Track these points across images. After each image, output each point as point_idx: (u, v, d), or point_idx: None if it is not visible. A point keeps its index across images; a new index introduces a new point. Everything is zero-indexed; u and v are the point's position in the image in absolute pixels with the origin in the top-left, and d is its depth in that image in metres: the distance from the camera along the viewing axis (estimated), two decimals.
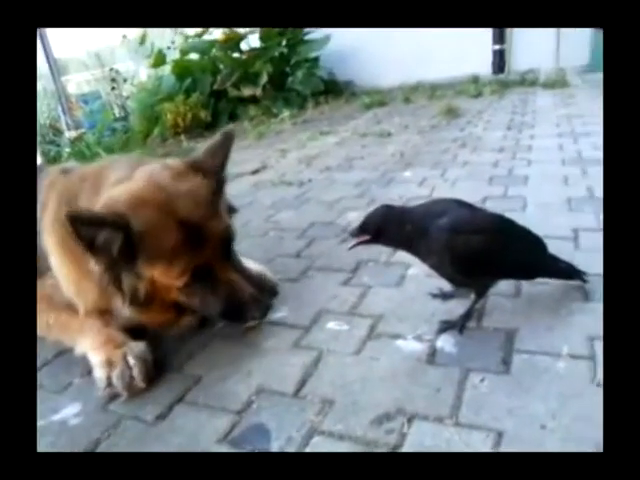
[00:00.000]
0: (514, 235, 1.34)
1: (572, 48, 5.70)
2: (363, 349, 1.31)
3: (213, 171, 1.38)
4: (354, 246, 1.33)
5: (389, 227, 1.29)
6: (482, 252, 1.25)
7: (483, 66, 6.19)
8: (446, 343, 1.28)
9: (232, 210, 1.55)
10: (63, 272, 1.43)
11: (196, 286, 1.32)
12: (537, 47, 5.94)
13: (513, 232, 1.35)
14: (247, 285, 1.38)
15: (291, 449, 1.02)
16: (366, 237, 1.31)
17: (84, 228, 1.18)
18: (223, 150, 1.42)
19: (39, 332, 1.51)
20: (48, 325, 1.47)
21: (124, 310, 1.36)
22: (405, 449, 0.98)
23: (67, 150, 5.59)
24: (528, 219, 1.94)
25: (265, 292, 1.44)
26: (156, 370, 1.31)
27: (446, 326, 1.34)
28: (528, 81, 5.62)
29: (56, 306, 1.47)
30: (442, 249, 1.25)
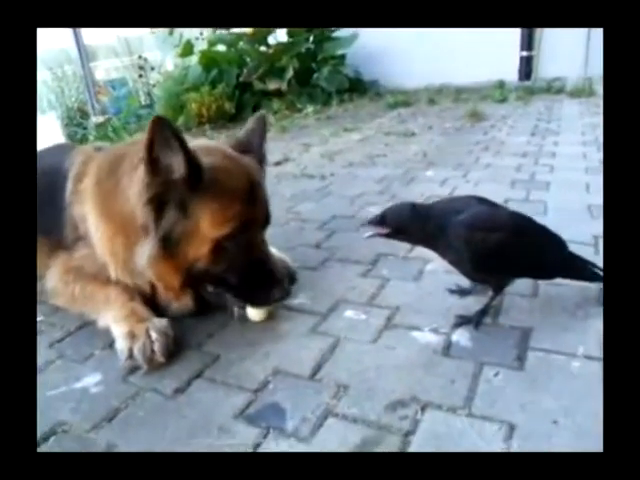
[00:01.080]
0: (533, 233, 1.35)
1: (601, 57, 5.64)
2: (379, 338, 1.33)
3: (256, 150, 1.50)
4: (372, 236, 1.35)
5: (411, 226, 1.30)
6: (500, 249, 1.26)
7: (509, 72, 6.15)
8: (461, 337, 1.30)
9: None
10: (99, 232, 1.45)
11: (233, 244, 1.33)
12: (565, 55, 5.89)
13: (532, 230, 1.36)
14: (277, 265, 1.42)
15: (306, 429, 1.04)
16: (385, 230, 1.32)
17: (164, 137, 1.21)
18: (260, 132, 1.54)
19: (64, 303, 1.56)
20: (73, 296, 1.52)
21: (142, 256, 1.35)
22: (418, 436, 1.00)
23: (93, 134, 5.68)
24: (548, 224, 1.92)
25: (286, 279, 1.45)
26: (176, 346, 1.35)
27: (462, 321, 1.35)
28: (554, 89, 5.58)
29: (83, 278, 1.51)
30: (461, 245, 1.26)
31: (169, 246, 1.32)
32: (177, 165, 1.25)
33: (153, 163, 1.24)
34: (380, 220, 1.31)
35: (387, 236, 1.33)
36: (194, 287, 1.44)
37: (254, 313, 1.45)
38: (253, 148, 1.51)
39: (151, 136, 1.21)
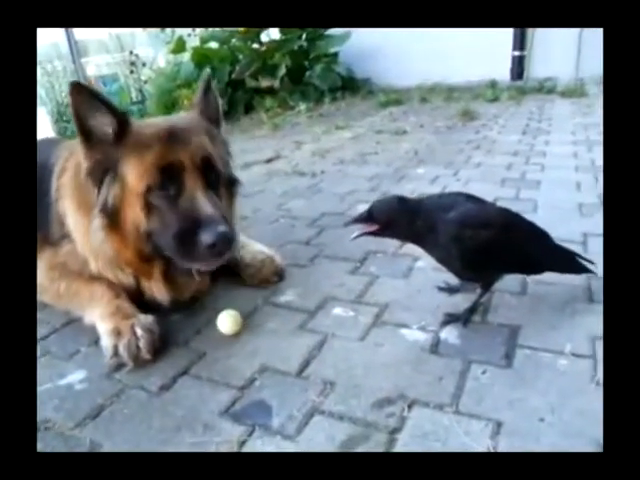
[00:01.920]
0: (521, 229, 1.35)
1: (592, 57, 5.66)
2: (367, 335, 1.32)
3: (202, 105, 1.50)
4: (359, 236, 1.30)
5: (400, 220, 1.27)
6: (489, 246, 1.26)
7: (501, 72, 6.16)
8: (450, 335, 1.29)
9: (235, 180, 1.55)
10: (78, 228, 1.44)
11: (160, 196, 1.29)
12: (557, 55, 5.91)
13: (519, 225, 1.35)
14: (212, 207, 1.28)
15: (292, 426, 1.03)
16: (374, 227, 1.28)
17: (86, 100, 1.25)
18: (202, 89, 1.51)
19: (50, 300, 1.54)
20: (59, 293, 1.50)
21: (94, 232, 1.36)
22: (404, 433, 0.99)
23: None
24: (538, 222, 1.94)
25: (222, 222, 1.27)
26: (162, 343, 1.33)
27: (450, 319, 1.35)
28: (546, 89, 5.60)
29: (68, 275, 1.49)
30: (450, 243, 1.25)
31: (110, 214, 1.33)
32: (106, 123, 1.29)
33: (86, 132, 1.28)
34: (367, 216, 1.27)
35: (376, 233, 1.29)
36: (161, 259, 1.39)
37: (225, 327, 1.37)
38: (201, 108, 1.50)
39: (75, 104, 1.24)
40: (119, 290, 1.43)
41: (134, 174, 1.29)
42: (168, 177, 1.29)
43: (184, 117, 1.51)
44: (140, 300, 1.46)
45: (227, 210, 1.44)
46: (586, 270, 1.37)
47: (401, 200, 1.29)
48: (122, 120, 1.31)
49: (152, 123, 1.42)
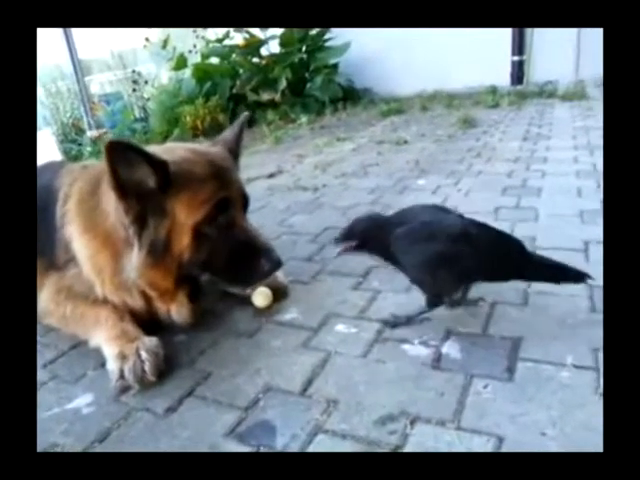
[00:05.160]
0: (480, 239, 1.31)
1: (592, 60, 5.67)
2: (370, 352, 1.33)
3: (229, 144, 1.61)
4: (341, 253, 1.39)
5: (373, 237, 1.35)
6: (437, 259, 1.28)
7: (501, 77, 6.17)
8: (451, 349, 1.30)
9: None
10: (84, 252, 1.48)
11: (213, 226, 1.38)
12: (557, 59, 5.91)
13: (479, 237, 1.31)
14: (261, 237, 1.47)
15: (295, 446, 1.04)
16: (353, 243, 1.36)
17: (123, 159, 1.25)
18: (236, 129, 1.67)
19: (56, 323, 1.57)
20: (65, 317, 1.52)
21: (131, 269, 1.39)
22: (407, 450, 1.00)
23: (88, 149, 5.69)
24: (540, 230, 1.97)
25: (273, 250, 1.46)
26: (167, 365, 1.35)
27: (395, 321, 1.42)
28: (547, 93, 5.60)
29: (74, 298, 1.52)
30: (400, 257, 1.32)
31: (156, 251, 1.36)
32: (145, 176, 1.30)
33: (122, 187, 1.29)
34: (347, 233, 1.36)
35: (356, 249, 1.37)
36: (188, 284, 1.46)
37: (259, 300, 1.59)
38: (227, 143, 1.62)
39: (111, 163, 1.25)
40: (123, 313, 1.46)
41: (186, 211, 1.35)
42: (221, 210, 1.39)
43: (216, 152, 1.53)
44: (147, 321, 1.49)
45: None
46: (578, 278, 1.32)
47: (373, 217, 1.39)
48: (161, 168, 1.31)
49: (193, 159, 1.42)
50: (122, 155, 1.25)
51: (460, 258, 1.28)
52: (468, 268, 1.30)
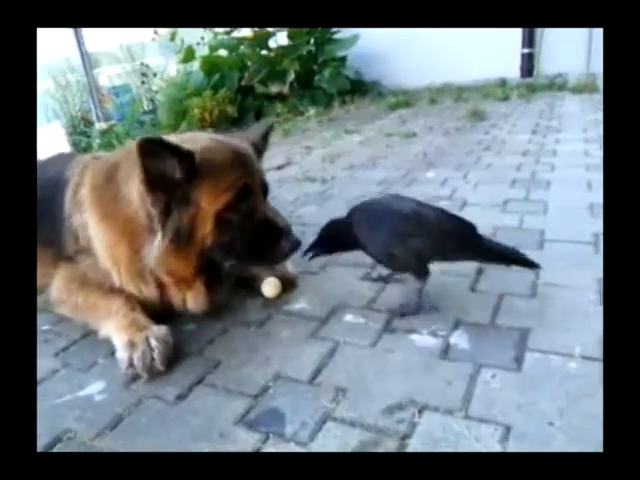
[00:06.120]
0: (431, 221, 1.40)
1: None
2: (378, 342, 1.34)
3: (253, 139, 1.64)
4: (313, 256, 1.55)
5: (338, 236, 1.49)
6: (390, 238, 1.39)
7: (511, 69, 6.13)
8: (459, 339, 1.31)
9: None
10: (100, 239, 1.49)
11: (235, 214, 1.41)
12: (567, 51, 5.86)
13: (430, 218, 1.40)
14: (280, 219, 1.51)
15: (304, 433, 1.06)
16: (325, 246, 1.53)
17: (153, 158, 1.30)
18: (262, 130, 1.73)
19: (67, 312, 1.59)
20: (76, 306, 1.54)
21: (154, 255, 1.41)
22: (415, 439, 1.01)
23: (97, 141, 5.72)
24: (549, 223, 1.96)
25: (291, 230, 1.51)
26: (176, 353, 1.37)
27: (404, 311, 1.46)
28: (557, 85, 5.57)
29: (86, 288, 1.53)
30: (362, 241, 1.44)
31: (180, 239, 1.39)
32: (173, 168, 1.33)
33: (152, 182, 1.32)
34: (318, 240, 1.52)
35: (329, 250, 1.55)
36: (206, 272, 1.48)
37: (268, 290, 1.62)
38: (251, 138, 1.65)
39: (142, 159, 1.28)
40: (134, 304, 1.47)
41: (209, 198, 1.38)
42: (243, 197, 1.42)
43: (237, 142, 1.56)
44: (159, 310, 1.52)
45: None
46: (527, 264, 1.42)
47: (332, 221, 1.52)
48: (189, 159, 1.34)
49: (217, 149, 1.45)
50: (153, 151, 1.29)
51: (410, 236, 1.37)
52: (419, 246, 1.37)
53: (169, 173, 1.33)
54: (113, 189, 1.48)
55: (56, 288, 1.59)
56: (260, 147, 1.68)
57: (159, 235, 1.38)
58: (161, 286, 1.50)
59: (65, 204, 1.59)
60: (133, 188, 1.41)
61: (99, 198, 1.51)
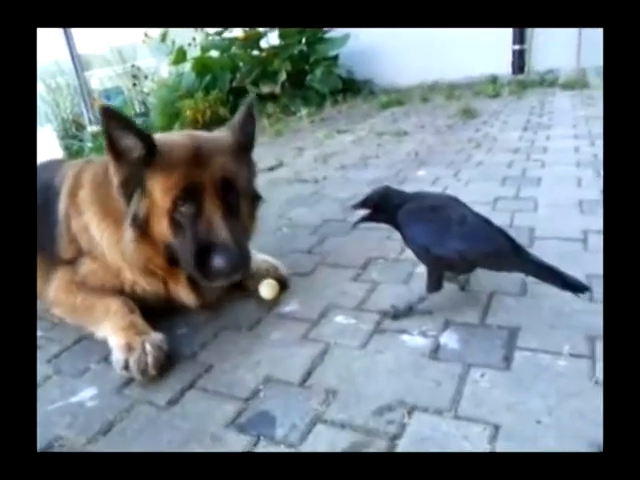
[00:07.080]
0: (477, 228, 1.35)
1: (594, 48, 5.63)
2: (369, 343, 1.35)
3: (238, 127, 1.55)
4: (358, 222, 1.50)
5: (384, 207, 1.45)
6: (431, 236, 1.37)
7: (502, 66, 6.14)
8: (450, 339, 1.32)
9: (257, 197, 1.65)
10: (104, 238, 1.51)
11: (181, 213, 1.38)
12: (558, 47, 5.88)
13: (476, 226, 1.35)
14: (228, 231, 1.36)
15: (295, 436, 1.06)
16: (368, 211, 1.46)
17: (115, 124, 1.34)
18: (245, 112, 1.57)
19: (63, 314, 1.60)
20: (73, 308, 1.55)
21: (126, 242, 1.43)
22: (404, 439, 1.02)
23: (89, 145, 5.70)
24: (539, 220, 1.97)
25: (234, 248, 1.37)
26: (169, 359, 1.37)
27: (396, 312, 1.44)
28: (547, 81, 5.58)
29: (86, 290, 1.55)
30: (403, 230, 1.44)
31: (140, 226, 1.41)
32: (134, 145, 1.36)
33: (115, 150, 1.37)
34: (363, 202, 1.46)
35: (370, 218, 1.48)
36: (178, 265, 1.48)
37: (265, 291, 1.61)
38: (235, 125, 1.56)
39: (106, 126, 1.34)
40: (133, 306, 1.49)
41: (161, 192, 1.38)
42: (189, 197, 1.38)
43: (213, 137, 1.55)
44: (166, 305, 1.56)
45: (248, 225, 1.59)
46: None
47: (386, 192, 1.48)
48: (149, 142, 1.38)
49: (179, 143, 1.45)
50: (116, 118, 1.34)
51: (451, 239, 1.32)
52: (455, 259, 1.34)
53: (129, 146, 1.37)
54: (108, 189, 1.49)
55: (53, 289, 1.60)
56: (243, 135, 1.55)
57: (126, 218, 1.42)
58: (164, 280, 1.53)
59: (59, 209, 1.60)
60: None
61: (99, 198, 1.53)
